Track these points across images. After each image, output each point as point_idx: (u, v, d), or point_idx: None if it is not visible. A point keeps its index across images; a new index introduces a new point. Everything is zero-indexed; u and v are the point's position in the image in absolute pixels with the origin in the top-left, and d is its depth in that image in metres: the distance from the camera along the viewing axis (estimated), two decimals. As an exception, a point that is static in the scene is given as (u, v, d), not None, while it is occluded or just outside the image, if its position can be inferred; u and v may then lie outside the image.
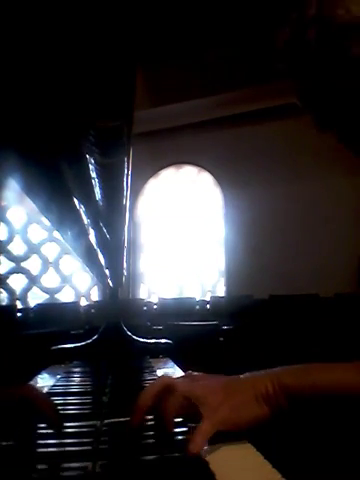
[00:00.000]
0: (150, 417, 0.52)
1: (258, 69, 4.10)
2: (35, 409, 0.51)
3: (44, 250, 5.09)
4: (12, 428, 0.50)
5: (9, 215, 5.02)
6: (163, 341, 1.34)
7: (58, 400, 0.74)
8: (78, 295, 5.09)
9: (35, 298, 4.88)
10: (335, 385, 0.52)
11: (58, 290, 5.06)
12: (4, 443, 0.48)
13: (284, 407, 0.51)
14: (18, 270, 4.98)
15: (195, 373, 0.60)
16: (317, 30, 0.55)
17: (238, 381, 0.55)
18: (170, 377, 0.56)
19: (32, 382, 0.95)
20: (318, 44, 0.56)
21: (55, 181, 0.55)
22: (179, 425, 0.52)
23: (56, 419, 0.51)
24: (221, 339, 2.82)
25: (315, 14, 0.55)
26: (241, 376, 0.56)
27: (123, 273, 1.30)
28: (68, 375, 1.07)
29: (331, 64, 0.56)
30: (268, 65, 3.98)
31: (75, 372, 1.13)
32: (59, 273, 5.09)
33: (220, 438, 0.50)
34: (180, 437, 0.50)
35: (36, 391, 0.57)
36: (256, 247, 4.45)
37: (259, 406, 0.51)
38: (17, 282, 4.94)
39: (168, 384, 0.52)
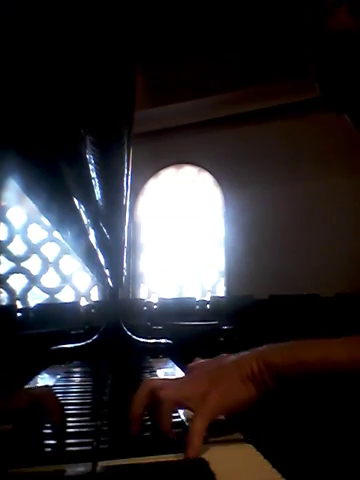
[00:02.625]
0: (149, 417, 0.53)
1: (258, 69, 4.10)
2: (39, 409, 0.51)
3: (44, 250, 5.09)
4: (15, 426, 0.50)
5: (9, 215, 5.02)
6: (163, 341, 1.34)
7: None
8: (78, 295, 5.09)
9: (35, 298, 4.88)
10: (322, 362, 0.50)
11: (58, 290, 5.06)
12: (4, 443, 0.49)
13: (271, 386, 0.50)
14: (18, 270, 4.98)
15: (200, 361, 0.60)
16: (349, 8, 0.56)
17: (222, 366, 0.54)
18: (152, 381, 0.56)
19: (32, 382, 0.95)
20: (342, 30, 0.56)
21: (55, 181, 0.55)
22: (178, 426, 0.52)
23: (61, 417, 0.52)
24: (221, 339, 2.82)
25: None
26: (225, 360, 0.55)
27: (123, 273, 1.30)
28: (68, 375, 1.07)
29: (355, 50, 0.57)
30: (268, 65, 3.98)
31: (75, 372, 1.13)
32: (59, 273, 5.09)
33: (220, 438, 0.50)
34: (179, 437, 0.50)
35: (43, 390, 0.57)
36: (256, 247, 4.45)
37: (246, 388, 0.51)
38: (17, 282, 4.94)
39: (152, 389, 0.51)
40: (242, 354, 0.54)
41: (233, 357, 0.55)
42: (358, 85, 0.60)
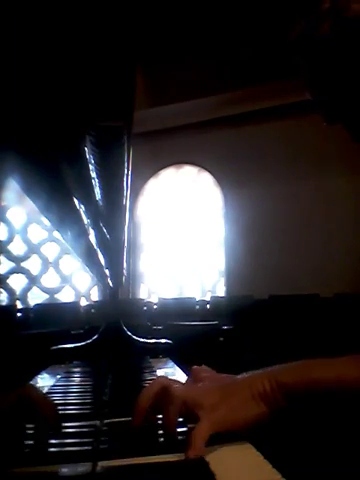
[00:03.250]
0: (149, 418, 0.53)
1: (258, 69, 4.10)
2: (35, 409, 0.51)
3: (44, 250, 5.09)
4: (11, 428, 0.50)
5: (9, 215, 5.02)
6: (163, 341, 1.34)
7: (58, 400, 0.74)
8: (78, 295, 5.09)
9: (35, 298, 4.88)
10: (333, 381, 0.51)
11: (58, 290, 5.06)
12: (4, 443, 0.49)
13: (282, 405, 0.51)
14: (18, 270, 4.98)
15: (198, 368, 0.60)
16: (331, 24, 0.56)
17: (234, 382, 0.55)
18: (166, 378, 0.56)
19: (32, 382, 0.95)
20: (332, 37, 0.56)
21: (55, 181, 0.55)
22: (179, 425, 0.52)
23: (55, 420, 0.51)
24: (221, 339, 2.82)
25: (329, 7, 0.56)
26: (238, 376, 0.56)
27: (123, 273, 1.30)
28: (68, 375, 1.07)
29: (345, 57, 0.57)
30: (269, 64, 3.98)
31: (75, 372, 1.13)
32: (59, 273, 5.09)
33: (220, 438, 0.50)
34: (180, 437, 0.50)
35: (36, 391, 0.57)
36: (256, 247, 4.45)
37: (257, 405, 0.51)
38: (17, 282, 4.94)
39: (164, 386, 0.52)
40: (254, 373, 0.55)
41: (246, 375, 0.55)
42: (350, 95, 0.60)
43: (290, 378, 0.52)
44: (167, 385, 0.52)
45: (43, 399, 0.54)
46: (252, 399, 0.52)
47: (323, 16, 0.57)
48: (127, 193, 0.71)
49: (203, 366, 0.62)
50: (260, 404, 0.51)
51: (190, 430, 0.48)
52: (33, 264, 5.03)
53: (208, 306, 4.18)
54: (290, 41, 0.62)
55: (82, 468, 0.43)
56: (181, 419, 0.55)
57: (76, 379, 1.04)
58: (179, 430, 0.51)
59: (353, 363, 0.53)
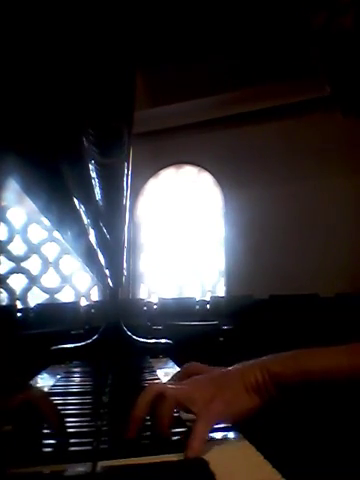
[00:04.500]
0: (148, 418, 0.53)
1: (258, 69, 4.10)
2: (37, 411, 0.51)
3: (44, 250, 5.09)
4: (13, 429, 0.50)
5: (9, 215, 5.02)
6: (163, 341, 1.34)
7: (58, 400, 0.74)
8: (78, 295, 5.09)
9: (35, 298, 4.89)
10: (324, 370, 0.51)
11: (58, 290, 5.06)
12: (4, 443, 0.49)
13: (274, 396, 0.51)
14: (18, 270, 4.98)
15: (194, 363, 0.60)
16: (353, 16, 0.56)
17: (227, 374, 0.55)
18: (158, 384, 0.56)
19: (32, 382, 0.95)
20: (353, 29, 0.56)
21: (55, 181, 0.55)
22: (178, 425, 0.52)
23: (58, 421, 0.51)
24: (221, 339, 2.82)
25: (352, 0, 0.56)
26: (230, 368, 0.56)
27: (123, 273, 1.30)
28: (68, 375, 1.07)
29: None
30: (269, 64, 3.98)
31: (75, 372, 1.13)
32: (59, 273, 5.09)
33: (220, 438, 0.50)
34: (179, 437, 0.50)
35: (38, 393, 0.57)
36: (256, 247, 4.45)
37: (250, 397, 0.51)
38: (17, 282, 4.94)
39: (158, 392, 0.52)
40: (246, 364, 0.55)
41: (237, 366, 0.55)
42: None
43: (282, 368, 0.52)
44: (160, 390, 0.52)
45: (44, 400, 0.54)
46: (245, 391, 0.51)
47: (345, 8, 0.56)
48: (127, 193, 0.71)
49: (193, 362, 0.62)
50: (253, 396, 0.51)
51: (189, 430, 0.48)
52: (33, 264, 5.03)
53: (208, 306, 4.19)
54: (310, 32, 0.61)
55: (82, 468, 0.43)
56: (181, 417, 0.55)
57: (76, 379, 1.04)
58: (178, 430, 0.51)
59: (345, 353, 0.52)
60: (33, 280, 4.99)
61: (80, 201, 0.66)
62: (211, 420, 0.49)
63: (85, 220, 0.75)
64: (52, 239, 5.07)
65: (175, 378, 0.61)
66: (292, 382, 0.51)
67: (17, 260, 4.99)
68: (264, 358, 0.54)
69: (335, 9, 0.57)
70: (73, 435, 0.53)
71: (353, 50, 0.58)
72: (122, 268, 1.26)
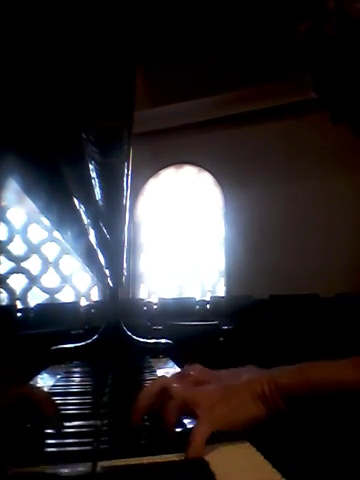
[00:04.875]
0: (149, 418, 0.53)
1: (258, 69, 4.10)
2: (36, 408, 0.51)
3: (44, 250, 5.09)
4: (12, 427, 0.50)
5: (9, 215, 5.02)
6: (163, 341, 1.34)
7: (58, 400, 0.74)
8: (78, 295, 5.09)
9: (35, 298, 4.89)
10: (331, 383, 0.52)
11: (58, 290, 5.06)
12: (4, 443, 0.49)
13: (281, 407, 0.52)
14: (18, 270, 4.98)
15: (193, 366, 0.61)
16: (336, 23, 0.56)
17: (234, 383, 0.55)
18: (168, 378, 0.57)
19: (32, 382, 0.95)
20: (337, 37, 0.57)
21: (55, 181, 0.55)
22: (178, 425, 0.52)
23: (57, 418, 0.52)
24: (221, 339, 2.82)
25: (334, 8, 0.56)
26: (237, 378, 0.56)
27: (123, 273, 1.30)
28: (68, 375, 1.07)
29: (349, 57, 0.58)
30: (269, 64, 3.98)
31: (75, 372, 1.13)
32: (59, 273, 5.09)
33: (220, 438, 0.50)
34: (180, 437, 0.50)
35: (37, 390, 0.57)
36: (256, 247, 4.45)
37: (256, 406, 0.52)
38: (17, 282, 4.94)
39: (165, 387, 0.52)
40: (253, 374, 0.56)
41: (245, 376, 0.56)
42: (355, 94, 0.61)
43: (289, 380, 0.53)
44: (167, 385, 0.53)
45: (44, 398, 0.54)
46: (251, 400, 0.52)
47: (328, 16, 0.57)
48: (127, 193, 0.71)
49: (196, 365, 0.62)
50: (259, 405, 0.52)
51: (190, 430, 0.49)
52: (33, 264, 5.03)
53: (208, 306, 4.18)
54: (295, 40, 0.62)
55: (82, 468, 0.43)
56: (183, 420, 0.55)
57: (76, 379, 1.04)
58: (179, 430, 0.51)
59: (352, 366, 0.53)
60: (33, 280, 4.99)
61: (80, 201, 0.66)
62: (213, 422, 0.49)
63: (85, 220, 0.75)
64: (52, 239, 5.07)
65: (175, 377, 0.61)
66: (299, 394, 0.52)
67: (17, 260, 4.99)
68: (271, 370, 0.55)
69: (319, 17, 0.58)
70: (73, 435, 0.53)
71: (336, 57, 0.59)
72: (122, 268, 1.26)
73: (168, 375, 0.65)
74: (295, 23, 0.61)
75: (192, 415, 0.50)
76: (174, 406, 0.50)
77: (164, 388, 0.52)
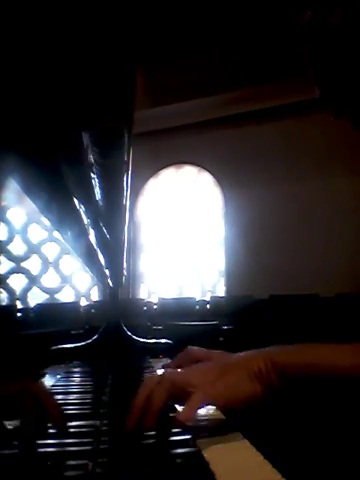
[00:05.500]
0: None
1: (258, 69, 4.10)
2: (40, 407, 0.51)
3: (44, 250, 5.08)
4: (13, 429, 0.50)
5: (9, 215, 5.02)
6: (163, 341, 1.34)
7: (58, 400, 0.74)
8: (78, 295, 5.08)
9: (35, 298, 4.88)
10: (328, 365, 0.51)
11: (58, 290, 5.05)
12: (5, 442, 0.49)
13: (276, 386, 0.51)
14: (18, 270, 4.98)
15: (193, 347, 0.60)
16: (342, 13, 0.55)
17: (230, 361, 0.55)
18: (158, 374, 0.56)
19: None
20: (342, 27, 0.55)
21: (55, 181, 0.55)
22: (180, 433, 0.52)
23: (60, 418, 0.52)
24: (221, 339, 2.82)
25: None
26: (233, 355, 0.56)
27: (123, 273, 1.30)
28: (68, 375, 1.07)
29: (355, 48, 0.56)
30: (269, 64, 3.98)
31: (75, 372, 1.14)
32: (59, 273, 5.08)
33: (220, 438, 0.50)
34: (179, 437, 0.50)
35: (43, 388, 0.57)
36: (256, 247, 4.45)
37: (252, 384, 0.51)
38: (17, 282, 4.94)
39: (157, 380, 0.52)
40: (250, 352, 0.55)
41: (241, 354, 0.55)
42: (356, 84, 0.60)
43: (286, 359, 0.52)
44: (159, 378, 0.52)
45: (48, 397, 0.54)
46: (247, 378, 0.51)
47: (333, 5, 0.56)
48: (127, 193, 0.71)
49: (191, 347, 0.62)
50: (255, 383, 0.51)
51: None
52: (33, 264, 5.02)
53: (208, 306, 4.18)
54: (299, 29, 0.60)
55: (82, 468, 0.43)
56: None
57: (76, 379, 1.04)
58: (178, 438, 0.51)
59: (349, 350, 0.53)
60: (33, 280, 4.98)
61: (80, 201, 0.66)
62: (208, 395, 0.48)
63: (85, 220, 0.75)
64: (52, 239, 5.06)
65: (172, 365, 0.61)
66: (295, 373, 0.51)
67: (17, 260, 4.99)
68: (269, 348, 0.54)
69: (323, 7, 0.57)
70: (73, 435, 0.53)
71: (341, 48, 0.58)
72: (122, 268, 1.26)
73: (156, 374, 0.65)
74: (297, 13, 0.60)
75: (186, 396, 0.49)
76: (162, 388, 0.49)
77: (158, 382, 0.51)
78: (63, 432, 0.51)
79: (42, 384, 0.74)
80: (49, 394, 0.56)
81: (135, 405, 0.50)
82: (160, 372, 0.54)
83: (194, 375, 0.52)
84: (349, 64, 0.58)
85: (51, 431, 0.53)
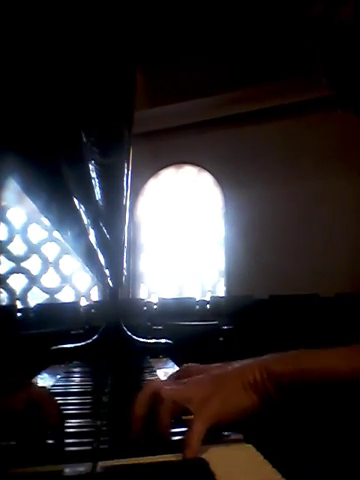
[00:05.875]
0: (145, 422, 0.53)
1: (258, 69, 4.10)
2: (39, 408, 0.51)
3: (44, 250, 5.09)
4: (15, 427, 0.50)
5: (9, 215, 5.02)
6: (163, 341, 1.34)
7: (58, 400, 0.74)
8: (78, 295, 5.09)
9: (35, 298, 4.88)
10: (324, 371, 0.51)
11: (58, 290, 5.06)
12: (5, 442, 0.49)
13: (272, 395, 0.51)
14: (18, 270, 4.98)
15: (191, 364, 0.60)
16: (354, 6, 0.54)
17: (225, 372, 0.54)
18: (156, 382, 0.56)
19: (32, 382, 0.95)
20: (354, 20, 0.55)
21: (55, 181, 0.55)
22: (177, 425, 0.52)
23: (58, 420, 0.51)
24: (221, 339, 2.82)
25: None
26: (228, 367, 0.55)
27: (123, 273, 1.30)
28: (68, 375, 1.07)
29: None
30: (269, 64, 3.98)
31: (75, 372, 1.13)
32: (59, 273, 5.09)
33: (220, 438, 0.50)
34: (179, 437, 0.50)
35: (39, 389, 0.57)
36: (256, 247, 4.45)
37: (248, 395, 0.51)
38: (17, 282, 4.94)
39: (154, 390, 0.51)
40: (245, 362, 0.54)
41: (236, 364, 0.55)
42: None
43: (282, 368, 0.51)
44: (157, 388, 0.52)
45: (46, 397, 0.54)
46: (243, 389, 0.51)
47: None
48: (127, 193, 0.71)
49: (191, 364, 0.62)
50: (251, 394, 0.51)
51: (186, 431, 0.48)
52: (33, 264, 5.03)
53: (208, 306, 4.18)
54: (309, 19, 0.59)
55: (82, 468, 0.43)
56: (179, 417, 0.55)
57: (76, 379, 1.04)
58: (178, 430, 0.51)
59: (344, 354, 0.52)
60: (33, 280, 4.98)
61: (80, 201, 0.66)
62: (208, 419, 0.48)
63: (85, 220, 0.75)
64: (52, 239, 5.07)
65: (172, 378, 0.61)
66: (291, 382, 0.51)
67: (17, 260, 4.99)
68: (264, 357, 0.54)
69: (332, 2, 0.56)
70: (73, 435, 0.53)
71: (352, 44, 0.57)
72: (122, 268, 1.26)
73: (167, 375, 0.65)
74: (306, 7, 0.59)
75: (186, 411, 0.50)
76: (166, 409, 0.49)
77: (155, 392, 0.51)
78: (60, 431, 0.51)
79: (36, 385, 0.74)
80: (47, 394, 0.56)
81: (136, 415, 0.50)
82: (156, 384, 0.54)
83: (191, 390, 0.51)
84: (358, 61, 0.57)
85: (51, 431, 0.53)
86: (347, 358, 0.51)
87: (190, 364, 0.61)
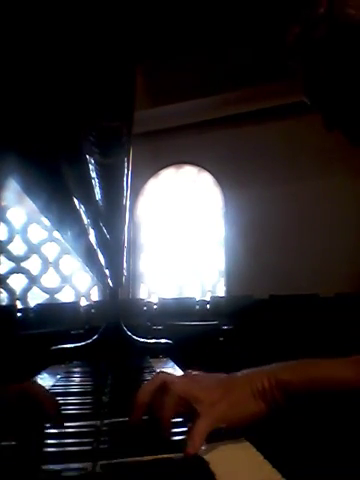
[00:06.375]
0: (149, 417, 0.53)
1: (258, 69, 4.10)
2: (37, 405, 0.51)
3: (44, 250, 5.08)
4: (13, 426, 0.50)
5: (9, 215, 5.02)
6: (163, 341, 1.34)
7: (58, 400, 0.74)
8: (78, 295, 5.08)
9: (35, 298, 4.88)
10: (331, 381, 0.52)
11: (58, 290, 5.05)
12: (5, 442, 0.49)
13: (280, 403, 0.51)
14: (18, 270, 4.98)
15: (194, 372, 0.60)
16: (326, 28, 0.56)
17: (234, 378, 0.55)
18: (168, 374, 0.56)
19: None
20: (327, 42, 0.56)
21: (55, 181, 0.55)
22: (178, 425, 0.52)
23: (57, 415, 0.52)
24: (221, 339, 2.82)
25: (325, 12, 0.55)
26: (238, 373, 0.56)
27: (123, 273, 1.30)
28: (68, 375, 1.07)
29: (340, 62, 0.57)
30: (268, 65, 3.98)
31: (75, 372, 1.13)
32: (59, 273, 5.08)
33: (220, 438, 0.50)
34: (180, 437, 0.50)
35: (38, 387, 0.57)
36: (256, 247, 4.45)
37: (256, 402, 0.51)
38: (17, 282, 4.94)
39: (164, 382, 0.51)
40: (254, 370, 0.55)
41: (245, 371, 0.55)
42: (347, 100, 0.60)
43: (289, 376, 0.52)
44: (167, 381, 0.52)
45: (45, 395, 0.54)
46: (251, 396, 0.52)
47: (319, 20, 0.56)
48: (127, 193, 0.71)
49: (194, 372, 0.62)
50: (259, 401, 0.52)
51: (190, 429, 0.48)
52: (33, 264, 5.03)
53: (208, 306, 4.18)
54: (286, 45, 0.61)
55: (82, 468, 0.43)
56: (180, 419, 0.55)
57: (76, 379, 1.04)
58: (179, 430, 0.51)
59: (351, 363, 0.53)
60: (33, 280, 4.98)
61: (80, 201, 0.66)
62: (213, 420, 0.49)
63: (85, 220, 0.75)
64: (52, 239, 5.06)
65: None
66: (299, 390, 0.52)
67: (17, 260, 4.99)
68: (272, 365, 0.55)
69: (309, 21, 0.57)
70: (73, 435, 0.53)
71: (327, 62, 0.58)
72: (122, 268, 1.26)
73: (165, 372, 0.64)
74: (286, 27, 0.60)
75: (191, 410, 0.50)
76: (171, 403, 0.49)
77: (164, 383, 0.51)
78: (59, 423, 0.51)
79: (35, 382, 0.74)
80: (44, 390, 0.56)
81: (139, 401, 0.50)
82: (168, 376, 0.54)
83: (200, 391, 0.52)
84: (337, 78, 0.59)
85: (51, 431, 0.53)
86: (353, 368, 0.52)
87: (194, 372, 0.61)
